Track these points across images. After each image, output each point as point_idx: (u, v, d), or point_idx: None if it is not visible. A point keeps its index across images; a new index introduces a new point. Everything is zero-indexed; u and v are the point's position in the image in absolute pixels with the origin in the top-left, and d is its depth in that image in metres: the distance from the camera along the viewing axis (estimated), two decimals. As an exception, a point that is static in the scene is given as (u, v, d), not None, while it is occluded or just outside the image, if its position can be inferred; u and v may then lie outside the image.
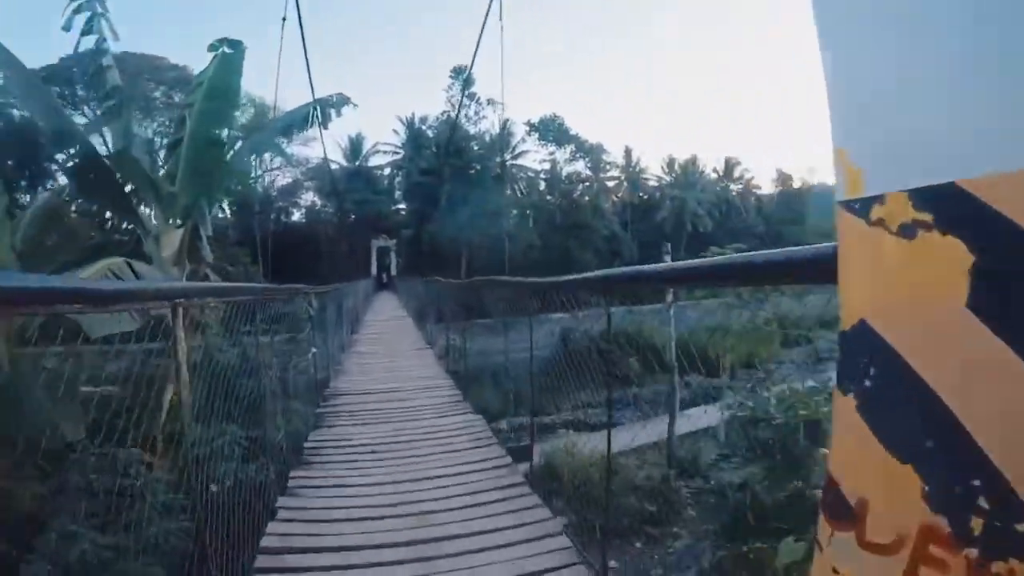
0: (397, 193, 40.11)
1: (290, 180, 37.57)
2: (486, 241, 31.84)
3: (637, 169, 40.77)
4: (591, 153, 38.97)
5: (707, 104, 77.24)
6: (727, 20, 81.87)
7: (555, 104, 64.90)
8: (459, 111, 33.26)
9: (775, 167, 47.42)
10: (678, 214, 37.32)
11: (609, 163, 40.16)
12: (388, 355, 9.87)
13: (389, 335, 13.01)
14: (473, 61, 12.74)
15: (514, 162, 39.25)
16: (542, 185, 39.25)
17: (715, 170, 41.66)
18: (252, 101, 34.14)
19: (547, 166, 39.12)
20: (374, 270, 36.67)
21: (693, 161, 40.76)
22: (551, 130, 38.11)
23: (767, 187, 42.50)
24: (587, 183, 38.32)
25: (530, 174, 39.36)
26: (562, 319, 24.61)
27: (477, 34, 9.61)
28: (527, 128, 38.57)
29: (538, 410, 5.41)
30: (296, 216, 38.50)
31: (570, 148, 38.75)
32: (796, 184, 41.54)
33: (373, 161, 40.86)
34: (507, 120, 38.47)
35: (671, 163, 41.32)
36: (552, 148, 38.64)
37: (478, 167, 36.28)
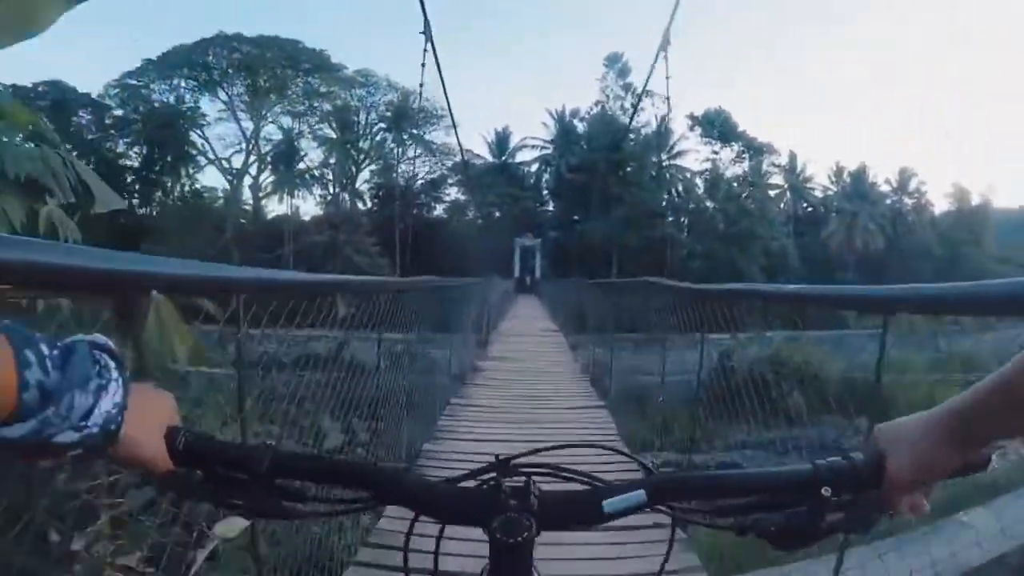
0: (544, 192, 39.79)
1: (436, 174, 38.44)
2: (641, 245, 30.59)
3: (801, 176, 38.33)
4: (759, 153, 36.68)
5: (880, 108, 72.45)
6: (916, 17, 74.77)
7: (722, 98, 61.56)
8: (612, 101, 32.64)
9: (951, 181, 44.03)
10: (847, 229, 34.72)
11: (775, 166, 37.95)
12: (528, 395, 7.36)
13: (531, 360, 9.89)
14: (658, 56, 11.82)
15: (672, 161, 37.66)
16: (702, 187, 37.29)
17: (888, 181, 38.46)
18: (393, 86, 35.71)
19: (708, 165, 37.22)
20: (516, 271, 35.85)
21: (863, 171, 38.04)
22: (716, 125, 36.04)
23: (940, 203, 39.27)
24: (753, 187, 35.95)
25: (687, 175, 37.54)
26: (721, 342, 23.18)
27: (630, 17, 8.73)
28: (689, 122, 36.78)
29: (688, 446, 4.60)
30: (439, 211, 39.24)
31: (736, 147, 36.68)
32: (974, 201, 37.99)
33: (520, 157, 40.84)
34: (665, 116, 36.43)
35: (839, 172, 38.83)
36: (716, 146, 36.70)
37: (633, 165, 34.98)
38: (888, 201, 37.74)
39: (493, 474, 0.63)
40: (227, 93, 33.30)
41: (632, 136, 36.35)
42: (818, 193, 38.98)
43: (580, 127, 39.30)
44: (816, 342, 23.14)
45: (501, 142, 40.28)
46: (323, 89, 35.20)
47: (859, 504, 0.62)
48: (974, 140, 75.21)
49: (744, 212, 33.40)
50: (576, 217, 35.37)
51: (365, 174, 37.97)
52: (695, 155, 37.84)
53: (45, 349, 0.47)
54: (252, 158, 34.41)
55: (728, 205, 34.17)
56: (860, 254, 33.98)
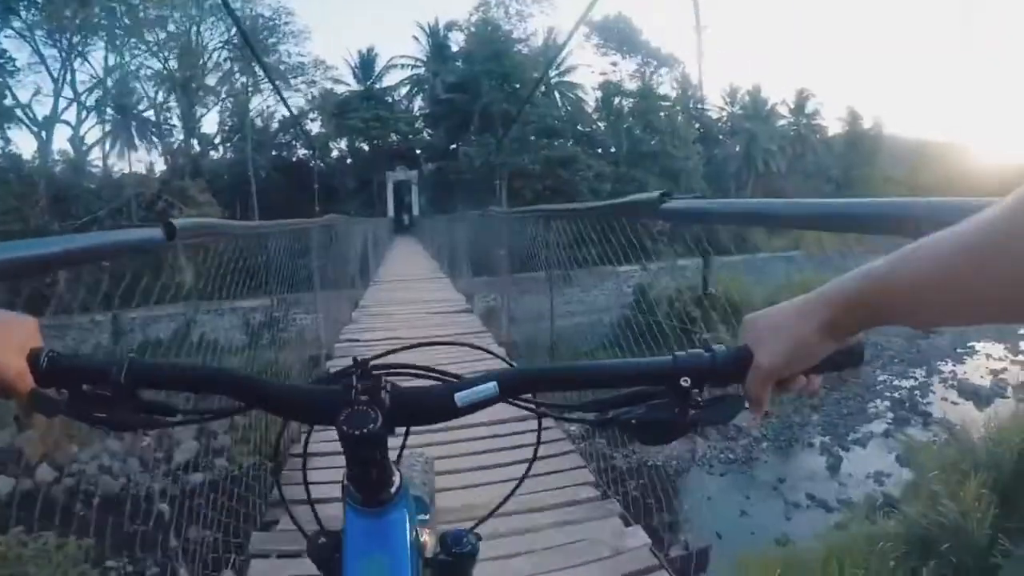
0: (419, 118, 36.36)
1: (295, 110, 34.30)
2: (538, 168, 27.97)
3: (696, 97, 36.74)
4: (663, 65, 34.55)
5: (763, 29, 76.02)
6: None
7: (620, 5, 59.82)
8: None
9: (844, 106, 44.51)
10: (747, 149, 34.50)
11: (676, 82, 36.09)
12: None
13: (412, 306, 8.88)
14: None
15: (563, 78, 35.04)
16: (594, 104, 35.18)
17: (784, 103, 38.52)
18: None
19: (605, 79, 34.69)
20: (391, 209, 33.07)
21: (758, 92, 37.76)
22: (615, 33, 33.47)
23: (834, 126, 40.14)
24: (646, 100, 33.55)
25: (579, 93, 35.19)
26: (631, 274, 22.06)
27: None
28: (586, 31, 33.48)
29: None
30: (302, 152, 34.60)
31: (637, 59, 34.25)
32: (866, 126, 39.27)
33: (390, 80, 37.19)
34: (552, 29, 34.53)
35: (733, 93, 38.22)
36: (614, 56, 34.23)
37: (524, 78, 32.07)
38: (785, 122, 37.86)
39: (349, 375, 0.65)
40: (23, 21, 27.41)
41: (520, 48, 33.85)
42: (711, 114, 38.18)
43: (457, 42, 36.28)
44: (728, 268, 23.06)
45: (366, 65, 36.32)
46: (149, 13, 29.00)
47: (722, 397, 0.65)
48: (867, 67, 78.82)
49: (654, 129, 31.51)
50: (456, 145, 32.40)
51: (215, 115, 33.34)
52: (588, 71, 36.36)
53: None
54: (64, 104, 28.87)
55: (631, 122, 32.08)
56: (760, 174, 34.09)
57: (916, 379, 17.08)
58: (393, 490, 0.68)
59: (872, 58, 79.20)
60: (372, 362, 0.67)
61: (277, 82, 31.23)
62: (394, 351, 0.74)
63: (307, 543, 0.75)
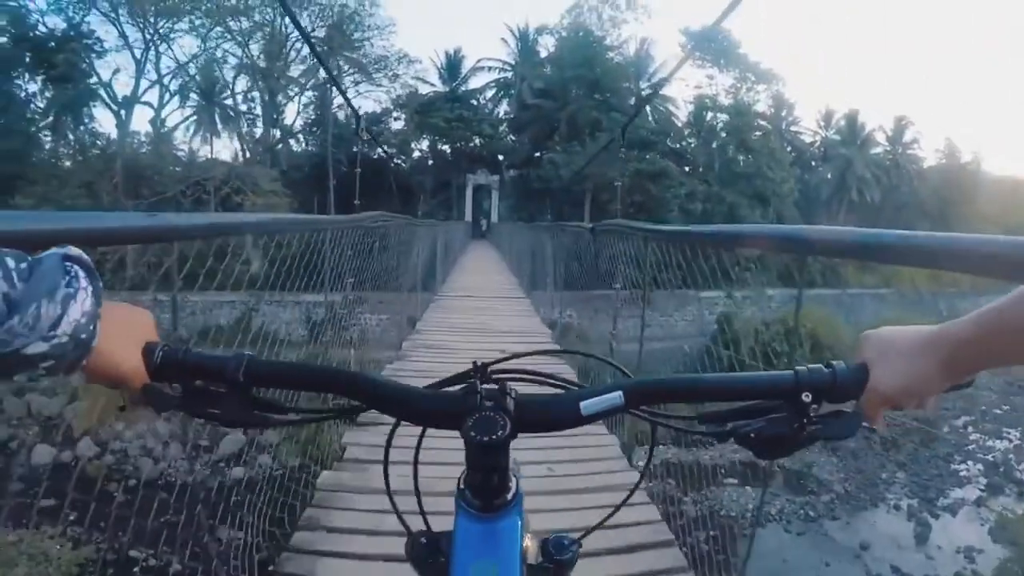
0: (503, 123, 36.11)
1: (380, 108, 34.19)
2: (627, 182, 26.13)
3: (789, 118, 36.00)
4: (763, 81, 33.21)
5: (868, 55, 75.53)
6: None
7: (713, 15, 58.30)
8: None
9: (943, 136, 43.77)
10: (841, 177, 33.32)
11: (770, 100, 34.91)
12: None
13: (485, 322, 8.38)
14: None
15: (653, 90, 34.38)
16: (684, 118, 34.13)
17: (881, 128, 37.18)
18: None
19: (701, 92, 33.45)
20: (469, 213, 32.90)
21: (854, 116, 36.56)
22: (713, 45, 31.65)
23: (929, 157, 38.92)
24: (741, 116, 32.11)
25: (671, 105, 34.16)
26: (715, 301, 21.26)
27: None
28: (682, 41, 32.81)
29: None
30: (383, 149, 35.27)
31: (735, 73, 32.84)
32: (964, 159, 38.37)
33: (476, 82, 37.28)
34: (645, 40, 33.95)
35: (828, 116, 37.17)
36: (711, 70, 33.00)
37: (616, 87, 31.65)
38: (880, 150, 36.63)
39: (471, 381, 0.68)
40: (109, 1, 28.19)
41: (612, 55, 33.10)
42: (805, 137, 37.29)
43: (547, 47, 35.93)
44: (817, 301, 22.09)
45: (452, 66, 36.55)
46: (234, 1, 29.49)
47: (839, 413, 0.67)
48: (965, 101, 78.57)
49: (748, 149, 30.27)
50: (539, 152, 32.00)
51: (298, 107, 33.78)
52: (681, 84, 35.05)
53: (11, 262, 0.50)
54: (145, 85, 29.62)
55: (724, 139, 31.04)
56: (853, 204, 33.02)
57: (1011, 440, 15.98)
58: (509, 496, 0.69)
59: (965, 89, 77.58)
60: (492, 367, 0.71)
61: (356, 74, 31.71)
62: (508, 357, 0.76)
63: (407, 541, 0.76)
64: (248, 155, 30.99)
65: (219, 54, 31.02)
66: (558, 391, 0.73)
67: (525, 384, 0.72)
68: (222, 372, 0.66)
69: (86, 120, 27.54)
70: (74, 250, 0.56)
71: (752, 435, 0.67)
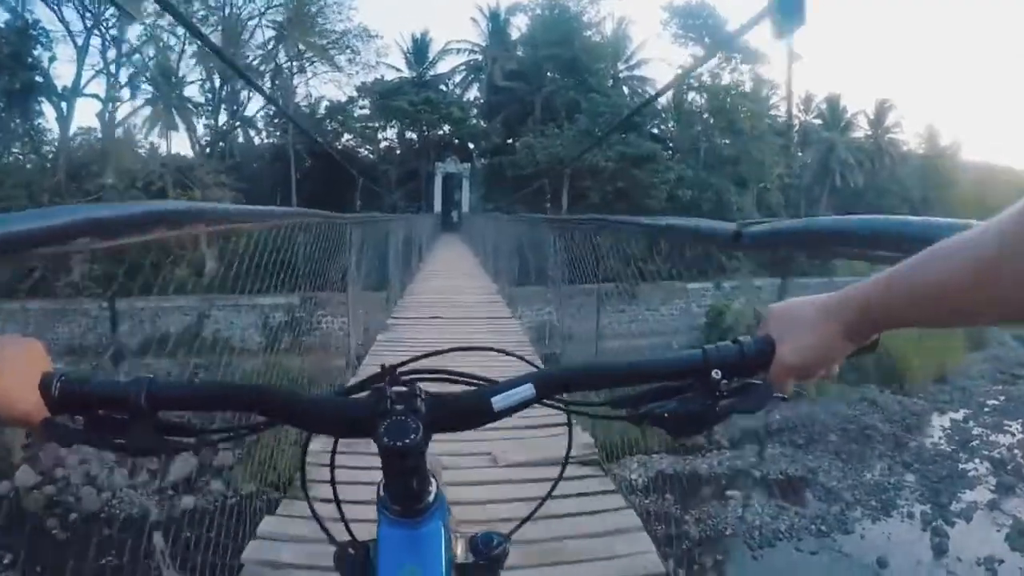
0: (474, 111, 35.17)
1: (343, 96, 33.57)
2: (611, 167, 25.97)
3: (769, 100, 34.86)
4: (751, 61, 31.68)
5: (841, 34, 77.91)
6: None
7: None
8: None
9: (923, 122, 44.23)
10: (823, 161, 32.95)
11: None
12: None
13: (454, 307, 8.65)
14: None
15: (632, 72, 34.03)
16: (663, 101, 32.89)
17: (864, 112, 37.11)
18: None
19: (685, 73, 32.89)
20: (438, 204, 32.21)
21: (836, 100, 36.39)
22: (698, 21, 31.21)
23: (911, 143, 39.16)
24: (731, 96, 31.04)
25: (650, 89, 32.82)
26: (703, 292, 20.96)
27: None
28: (665, 17, 31.91)
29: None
30: (347, 139, 33.72)
31: (720, 52, 30.72)
32: (943, 144, 39.09)
33: (444, 67, 36.47)
34: (623, 19, 33.38)
35: (807, 100, 36.89)
36: (695, 48, 31.70)
37: (596, 66, 30.78)
38: (862, 134, 36.65)
39: (381, 384, 0.68)
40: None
41: (589, 34, 32.42)
42: (783, 120, 35.70)
43: (519, 27, 35.16)
44: (806, 291, 21.80)
45: (419, 50, 35.71)
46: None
47: (749, 387, 0.70)
48: (943, 87, 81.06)
49: (734, 132, 29.45)
50: (512, 139, 31.29)
51: (247, 96, 32.58)
52: (662, 65, 34.75)
53: None
54: (91, 76, 28.35)
55: (708, 122, 30.28)
56: (835, 189, 33.03)
57: (1014, 434, 15.97)
58: (430, 499, 0.70)
59: (943, 75, 79.44)
60: (400, 369, 0.71)
61: (315, 60, 30.99)
62: (420, 357, 0.76)
63: (335, 553, 0.77)
64: (199, 148, 30.01)
65: (171, 41, 30.08)
66: (469, 388, 0.73)
67: (441, 384, 0.72)
68: (124, 399, 0.65)
69: (30, 115, 26.60)
70: None
71: (666, 415, 0.69)
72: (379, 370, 0.69)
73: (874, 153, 35.16)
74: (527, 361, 0.83)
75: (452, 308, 8.96)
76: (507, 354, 0.89)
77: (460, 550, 0.78)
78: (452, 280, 12.36)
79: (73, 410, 0.65)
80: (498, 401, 0.67)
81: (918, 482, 13.01)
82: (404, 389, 0.67)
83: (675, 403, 0.69)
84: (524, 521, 0.91)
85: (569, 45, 30.22)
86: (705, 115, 30.65)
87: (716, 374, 0.68)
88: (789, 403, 13.67)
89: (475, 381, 0.75)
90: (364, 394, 0.69)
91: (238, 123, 32.45)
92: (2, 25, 25.33)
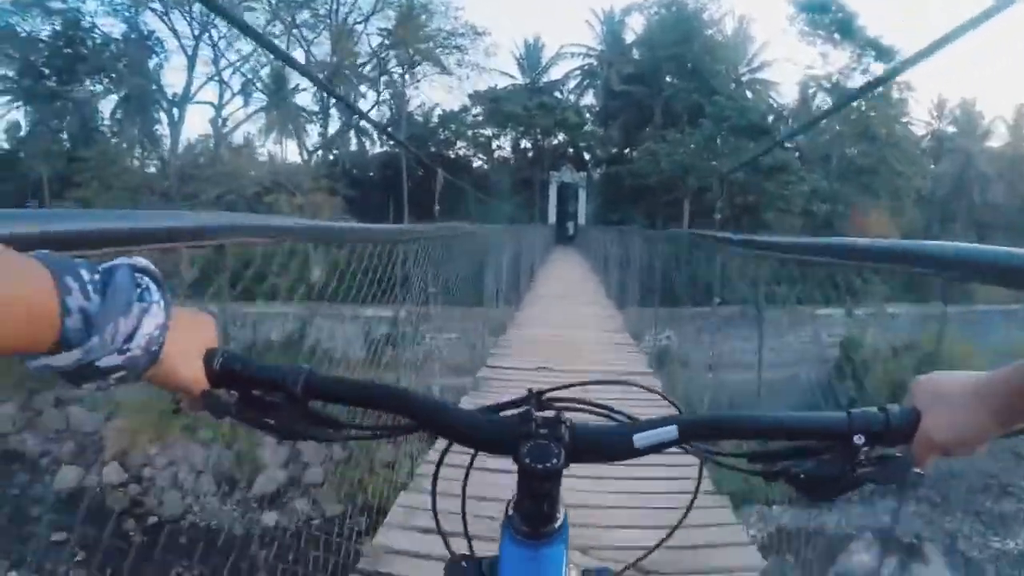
0: (588, 115, 34.62)
1: (458, 106, 33.85)
2: (737, 180, 24.09)
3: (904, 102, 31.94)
4: (884, 58, 28.66)
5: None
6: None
7: None
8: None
9: None
10: (960, 173, 30.50)
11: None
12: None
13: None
14: None
15: (755, 75, 32.70)
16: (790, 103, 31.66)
17: (1001, 119, 34.08)
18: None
19: (815, 73, 30.32)
20: (553, 215, 31.51)
21: (972, 105, 33.56)
22: (827, 15, 29.05)
23: None
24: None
25: (775, 94, 32.16)
26: (833, 319, 19.63)
27: None
28: (792, 12, 29.87)
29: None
30: (460, 147, 34.42)
31: (851, 49, 29.31)
32: None
33: (557, 72, 36.06)
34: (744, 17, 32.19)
35: (940, 105, 34.07)
36: (823, 47, 29.73)
37: (709, 74, 29.35)
38: (1001, 143, 34.01)
39: (527, 407, 0.71)
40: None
41: (711, 32, 31.32)
42: (916, 129, 33.57)
43: (635, 29, 34.35)
44: (940, 321, 20.10)
45: (532, 56, 35.53)
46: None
47: (890, 458, 0.69)
48: None
49: (870, 138, 27.19)
50: (629, 148, 30.63)
51: (369, 105, 33.04)
52: (787, 65, 33.69)
53: (86, 274, 0.53)
54: (199, 82, 29.17)
55: (842, 127, 27.75)
56: (974, 204, 30.71)
57: None
58: (557, 525, 0.71)
59: None
60: (547, 394, 0.74)
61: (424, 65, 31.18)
62: (565, 387, 0.79)
63: (447, 565, 0.78)
64: (307, 156, 30.80)
65: (283, 47, 30.96)
66: (614, 423, 0.76)
67: (581, 414, 0.75)
68: (281, 383, 0.70)
69: (148, 121, 28.09)
70: (141, 261, 0.61)
71: (802, 475, 0.69)
72: (525, 393, 0.73)
73: (1016, 163, 32.69)
74: (670, 401, 0.84)
75: (567, 350, 7.64)
76: (651, 391, 0.91)
77: None
78: (567, 317, 10.55)
79: (231, 385, 0.70)
80: (640, 439, 0.69)
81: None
82: (550, 415, 0.69)
83: (813, 464, 0.69)
84: (638, 560, 0.91)
85: (690, 44, 29.26)
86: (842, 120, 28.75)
87: (859, 439, 0.67)
88: None
89: (619, 416, 0.77)
90: (509, 413, 0.71)
91: (358, 132, 33.09)
92: (119, 36, 26.86)
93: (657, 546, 0.90)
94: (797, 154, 28.57)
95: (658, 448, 0.69)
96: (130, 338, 0.55)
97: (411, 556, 2.95)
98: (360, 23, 31.40)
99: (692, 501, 0.89)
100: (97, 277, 0.54)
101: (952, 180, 31.04)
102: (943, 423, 0.67)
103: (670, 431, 0.69)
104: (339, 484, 9.18)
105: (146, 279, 0.59)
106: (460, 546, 0.83)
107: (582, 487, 3.44)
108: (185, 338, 0.66)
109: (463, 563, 0.77)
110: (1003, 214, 30.17)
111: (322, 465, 10.80)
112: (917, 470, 0.68)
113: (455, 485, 0.85)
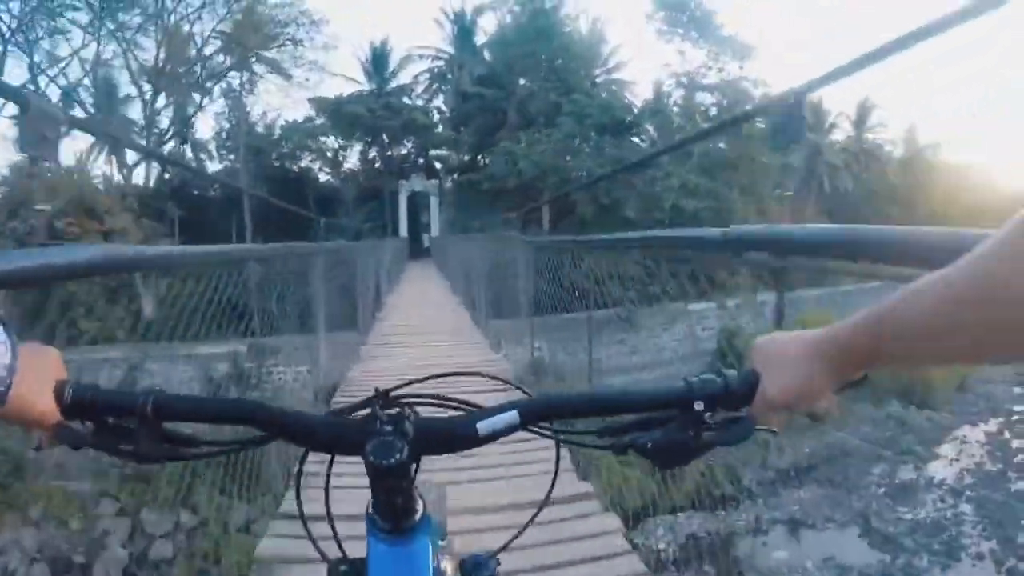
0: (438, 117, 34.47)
1: (300, 115, 32.84)
2: (607, 175, 22.87)
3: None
4: (741, 56, 29.98)
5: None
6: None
7: None
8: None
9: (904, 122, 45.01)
10: (809, 164, 32.38)
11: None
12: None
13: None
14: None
15: (611, 76, 32.87)
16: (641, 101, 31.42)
17: (844, 114, 36.97)
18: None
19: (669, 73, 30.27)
20: (404, 228, 30.75)
21: (818, 101, 34.68)
22: (686, 14, 29.48)
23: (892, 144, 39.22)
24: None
25: (629, 95, 31.87)
26: (705, 313, 20.01)
27: None
28: (650, 8, 30.21)
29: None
30: (306, 162, 33.20)
31: (707, 47, 29.74)
32: (921, 145, 38.98)
33: (406, 76, 35.38)
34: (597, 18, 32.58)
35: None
36: (681, 44, 29.98)
37: (566, 72, 29.35)
38: (845, 136, 36.74)
39: (372, 406, 0.73)
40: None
41: (568, 29, 31.25)
42: (761, 124, 36.01)
43: (486, 30, 34.42)
44: (812, 303, 21.21)
45: (378, 60, 34.64)
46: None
47: (732, 420, 0.74)
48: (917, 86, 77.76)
49: (734, 134, 26.43)
50: (480, 156, 30.21)
51: (209, 118, 32.26)
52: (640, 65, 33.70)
53: None
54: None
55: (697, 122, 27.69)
56: (823, 193, 32.93)
57: None
58: (417, 518, 0.74)
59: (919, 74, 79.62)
60: (392, 392, 0.76)
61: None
62: (411, 382, 0.80)
63: (328, 569, 0.81)
64: (127, 174, 28.76)
65: (107, 54, 29.04)
66: (458, 413, 0.78)
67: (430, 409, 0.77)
68: (132, 408, 0.71)
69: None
70: None
71: (649, 445, 0.72)
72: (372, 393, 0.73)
73: (860, 155, 35.17)
74: (517, 387, 0.90)
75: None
76: (495, 379, 0.97)
77: (450, 572, 0.81)
78: (427, 318, 10.81)
79: (84, 416, 0.72)
80: (483, 426, 0.72)
81: (975, 513, 12.05)
82: (394, 411, 0.71)
83: (658, 434, 0.72)
84: (509, 543, 0.94)
85: (547, 40, 29.18)
86: (700, 113, 29.42)
87: (699, 406, 0.71)
88: (815, 431, 13.97)
89: (462, 406, 0.79)
90: (357, 414, 0.73)
91: (194, 148, 31.73)
92: None
93: (525, 527, 0.94)
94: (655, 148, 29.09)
95: (503, 433, 0.72)
96: None
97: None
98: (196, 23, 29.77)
99: (554, 478, 0.92)
100: None
101: (803, 169, 32.75)
102: (779, 382, 0.71)
103: (512, 416, 0.72)
104: (191, 560, 8.09)
105: None
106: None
107: (461, 478, 3.81)
108: (33, 375, 0.67)
109: (342, 566, 0.79)
110: (850, 202, 32.30)
111: (168, 537, 9.68)
112: (763, 427, 0.74)
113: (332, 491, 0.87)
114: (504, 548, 0.93)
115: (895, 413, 16.34)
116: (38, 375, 0.69)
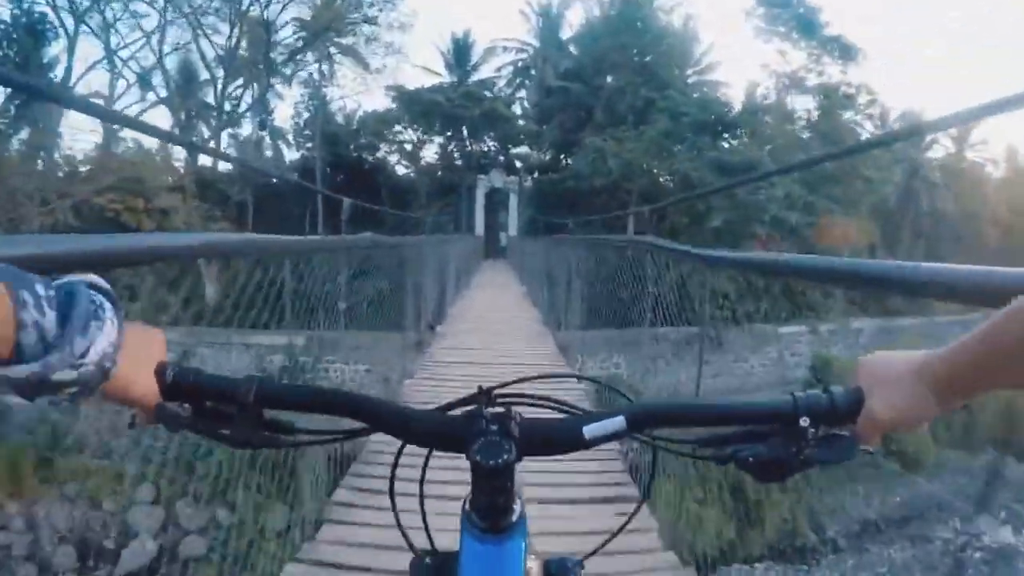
0: (520, 111, 34.21)
1: (382, 108, 32.71)
2: (683, 186, 22.63)
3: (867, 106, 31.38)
4: (847, 56, 28.68)
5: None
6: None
7: None
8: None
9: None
10: (906, 182, 30.75)
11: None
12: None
13: None
14: None
15: (703, 77, 31.72)
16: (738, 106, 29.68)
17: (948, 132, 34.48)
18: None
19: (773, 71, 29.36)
20: (480, 226, 29.65)
21: (918, 115, 32.85)
22: (787, 10, 28.06)
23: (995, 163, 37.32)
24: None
25: (722, 95, 30.11)
26: (797, 338, 18.89)
27: None
28: (748, 5, 28.98)
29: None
30: (382, 152, 32.66)
31: (809, 48, 28.57)
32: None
33: (488, 70, 35.26)
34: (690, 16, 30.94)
35: (884, 114, 33.01)
36: (782, 44, 28.95)
37: (661, 67, 28.07)
38: (945, 153, 34.89)
39: (478, 405, 0.75)
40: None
41: (664, 21, 29.92)
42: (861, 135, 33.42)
43: (573, 23, 33.91)
44: (907, 333, 20.00)
45: (460, 52, 34.50)
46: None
47: (836, 437, 0.74)
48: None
49: (835, 143, 23.60)
50: (564, 155, 29.81)
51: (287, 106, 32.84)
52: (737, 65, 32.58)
53: (41, 289, 0.56)
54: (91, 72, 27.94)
55: (803, 130, 27.18)
56: (922, 213, 31.47)
57: None
58: (514, 518, 0.75)
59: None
60: (496, 391, 0.78)
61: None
62: (513, 382, 0.82)
63: (412, 561, 0.83)
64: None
65: (186, 40, 29.59)
66: (563, 416, 0.79)
67: (530, 409, 0.78)
68: (233, 393, 0.73)
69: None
70: (94, 278, 0.63)
71: (751, 459, 0.73)
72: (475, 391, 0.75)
73: (960, 173, 33.93)
74: (620, 393, 0.88)
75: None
76: (595, 381, 1.04)
77: (535, 572, 0.81)
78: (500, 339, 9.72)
79: (184, 398, 0.73)
80: (590, 431, 0.73)
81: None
82: (500, 411, 0.73)
83: (762, 447, 0.73)
84: (599, 548, 0.94)
85: (637, 36, 28.05)
86: (801, 123, 28.12)
87: (804, 421, 0.71)
88: (906, 481, 13.70)
89: (569, 409, 0.80)
90: (461, 412, 0.75)
91: (272, 135, 32.15)
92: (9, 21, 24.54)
93: (616, 534, 0.93)
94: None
95: (609, 439, 0.73)
96: (84, 354, 0.57)
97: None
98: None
99: (649, 485, 1.12)
100: (52, 293, 0.56)
101: (901, 187, 31.30)
102: (886, 402, 0.70)
103: (619, 421, 0.73)
104: (221, 561, 7.58)
105: (99, 296, 0.61)
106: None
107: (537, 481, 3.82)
108: (137, 353, 0.68)
109: (427, 559, 0.81)
110: (948, 224, 31.16)
111: (203, 534, 9.36)
112: (864, 447, 0.73)
113: (405, 485, 0.87)
114: (594, 553, 0.91)
115: (991, 464, 15.50)
116: (142, 355, 0.70)
